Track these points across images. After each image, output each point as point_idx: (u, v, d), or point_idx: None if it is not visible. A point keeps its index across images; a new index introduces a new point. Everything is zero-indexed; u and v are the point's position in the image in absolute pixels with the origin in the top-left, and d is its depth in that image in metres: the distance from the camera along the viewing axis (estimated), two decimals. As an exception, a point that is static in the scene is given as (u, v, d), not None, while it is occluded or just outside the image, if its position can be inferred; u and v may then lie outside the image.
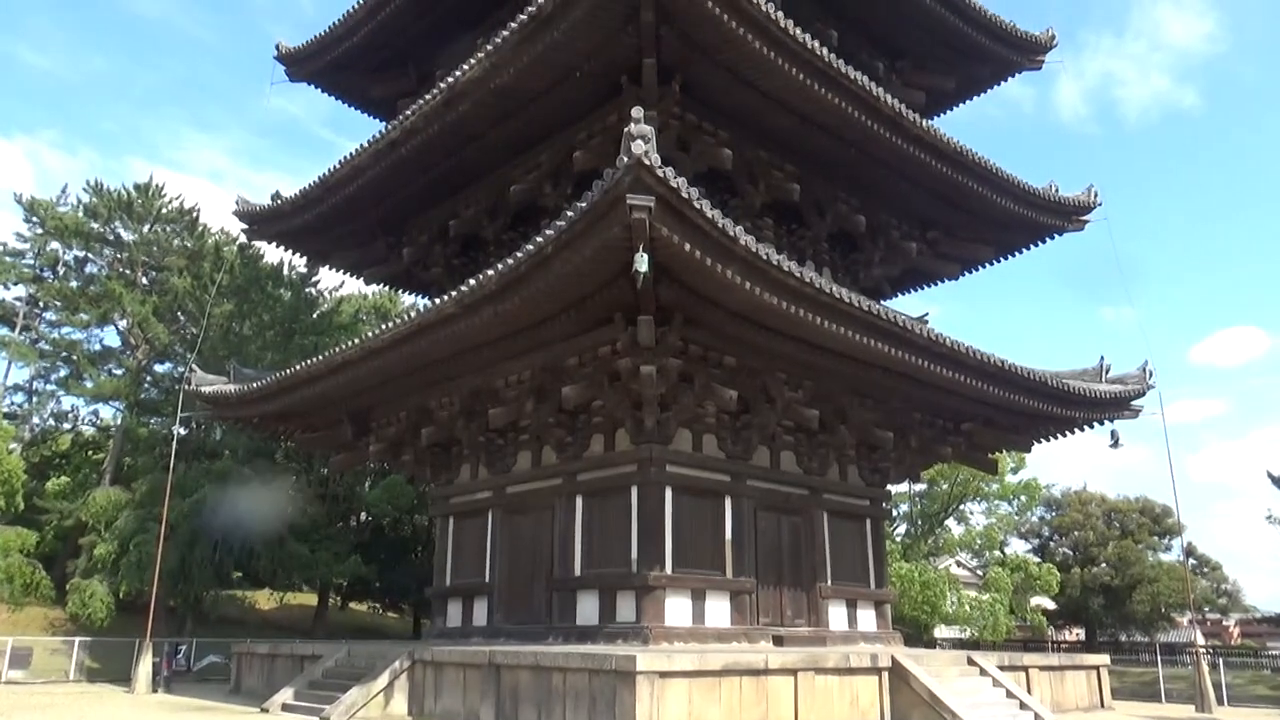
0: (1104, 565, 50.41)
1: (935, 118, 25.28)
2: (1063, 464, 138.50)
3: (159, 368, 37.98)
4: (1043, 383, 19.36)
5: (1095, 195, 22.82)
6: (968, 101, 26.36)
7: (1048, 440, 22.92)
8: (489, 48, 16.85)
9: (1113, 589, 49.23)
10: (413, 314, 17.29)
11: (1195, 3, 76.70)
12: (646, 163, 12.28)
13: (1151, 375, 21.77)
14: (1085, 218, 23.03)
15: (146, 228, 37.84)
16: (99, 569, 29.53)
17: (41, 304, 38.62)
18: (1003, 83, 25.63)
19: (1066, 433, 22.52)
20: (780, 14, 15.92)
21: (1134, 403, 21.81)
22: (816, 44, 16.58)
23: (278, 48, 25.21)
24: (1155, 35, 73.65)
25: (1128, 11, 72.98)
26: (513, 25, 16.30)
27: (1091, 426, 22.51)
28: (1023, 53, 24.51)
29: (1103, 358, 21.62)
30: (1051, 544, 54.07)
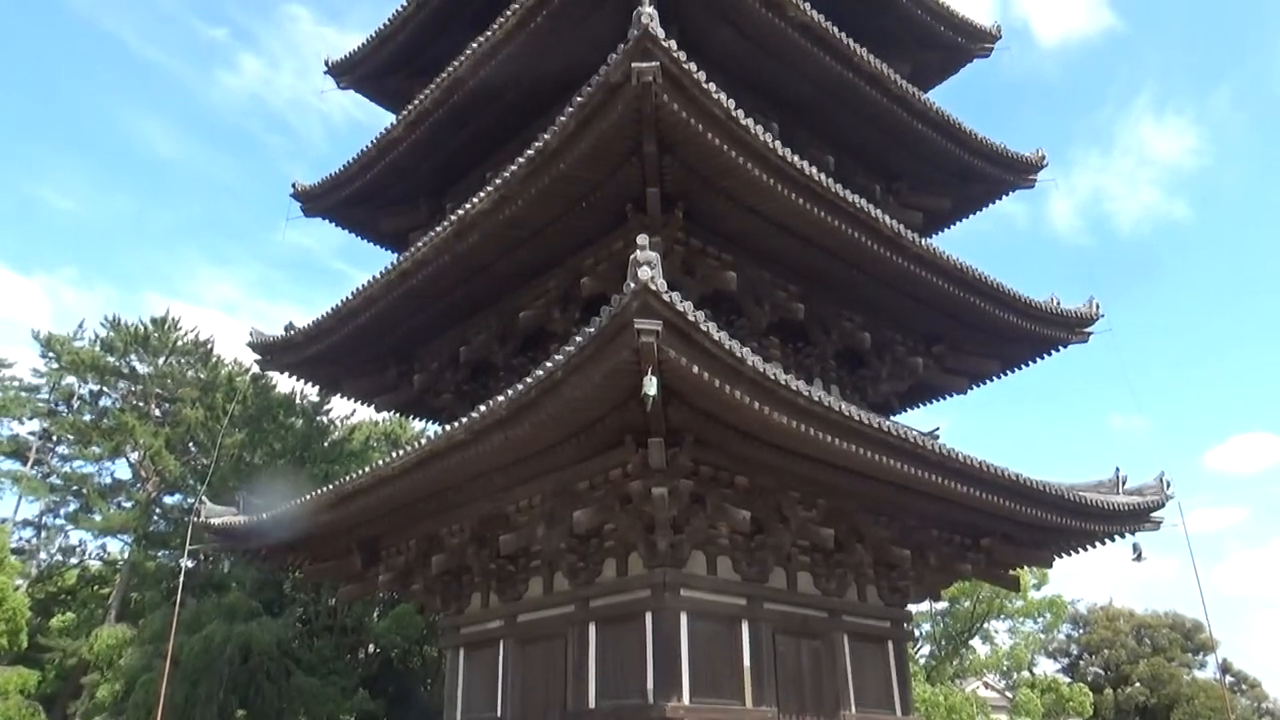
0: (1138, 684, 48.66)
1: (934, 235, 25.83)
2: (1087, 578, 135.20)
3: (168, 499, 37.88)
4: (1059, 496, 19.13)
5: (1097, 307, 23.09)
6: (964, 219, 26.99)
7: (1068, 554, 22.46)
8: (497, 181, 17.46)
9: (1149, 709, 47.41)
10: (423, 441, 17.34)
11: (1176, 120, 79.51)
12: (653, 288, 12.55)
13: (1169, 485, 21.47)
14: (1088, 329, 23.24)
15: (161, 360, 38.44)
16: (102, 709, 28.74)
17: (55, 438, 38.89)
18: (997, 201, 26.30)
19: (1087, 547, 22.10)
20: (778, 143, 16.52)
21: (1154, 514, 21.48)
22: (814, 170, 17.13)
23: (294, 186, 26.12)
24: (1141, 151, 76.24)
25: (1112, 129, 75.70)
26: (520, 160, 16.93)
27: (1112, 539, 22.10)
28: (1015, 172, 25.23)
29: (1118, 469, 21.41)
30: (1081, 663, 52.37)
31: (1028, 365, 24.51)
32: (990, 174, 24.91)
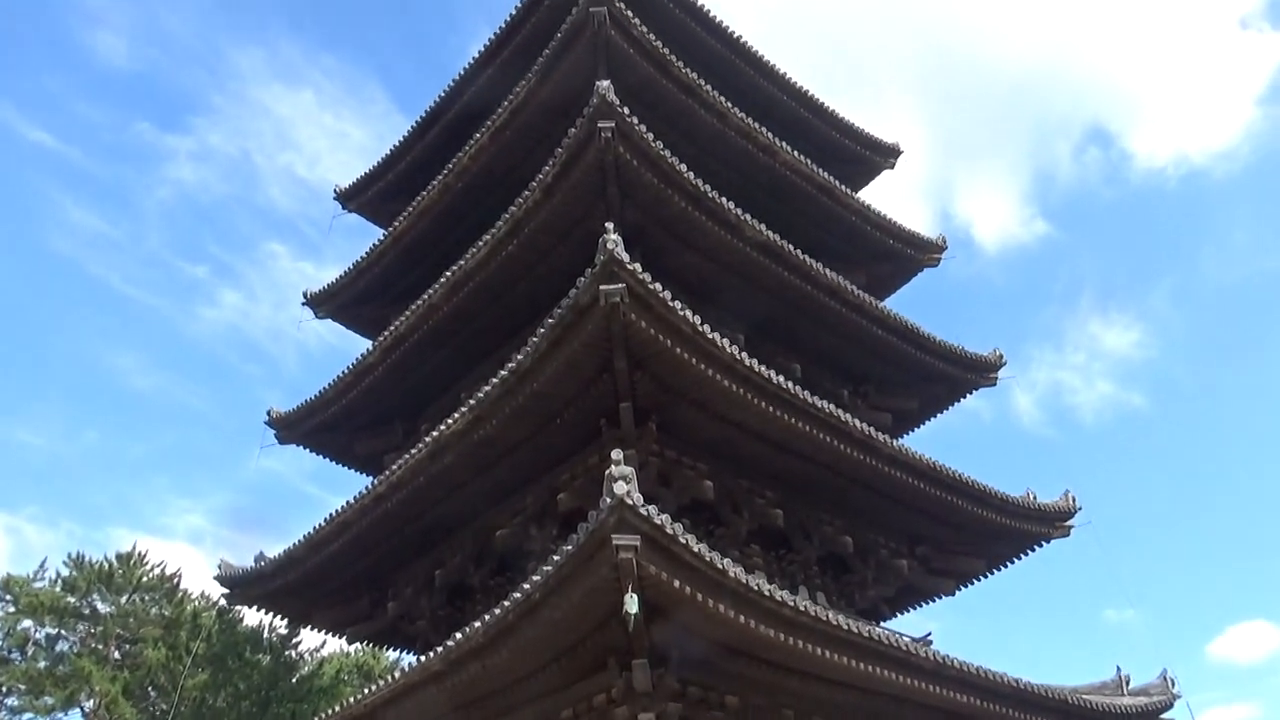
0: None
1: (904, 436, 26.18)
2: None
3: (122, 751, 35.27)
4: (1062, 701, 18.39)
5: (1073, 500, 23.16)
6: (933, 418, 27.46)
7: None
8: (471, 402, 17.71)
9: None
10: (397, 673, 16.56)
11: (1121, 316, 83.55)
12: (629, 502, 12.49)
13: (1175, 684, 20.82)
14: (1069, 523, 23.19)
15: (125, 598, 37.01)
16: None
17: (5, 688, 36.66)
18: (962, 399, 26.88)
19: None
20: (744, 354, 17.03)
21: (1163, 715, 20.63)
22: (781, 378, 17.57)
23: (269, 413, 26.23)
24: (1091, 346, 79.68)
25: (1061, 327, 79.43)
26: (494, 380, 17.26)
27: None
28: (976, 372, 25.98)
29: (1119, 668, 20.78)
30: None
31: (1013, 563, 24.25)
32: (952, 374, 25.62)
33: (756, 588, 13.53)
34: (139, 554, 37.73)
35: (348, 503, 20.51)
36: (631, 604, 12.27)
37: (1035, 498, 22.71)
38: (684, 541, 12.93)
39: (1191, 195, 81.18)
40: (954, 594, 24.72)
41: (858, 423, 18.76)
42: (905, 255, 27.70)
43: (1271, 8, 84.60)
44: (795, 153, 24.27)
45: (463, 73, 27.47)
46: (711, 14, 26.15)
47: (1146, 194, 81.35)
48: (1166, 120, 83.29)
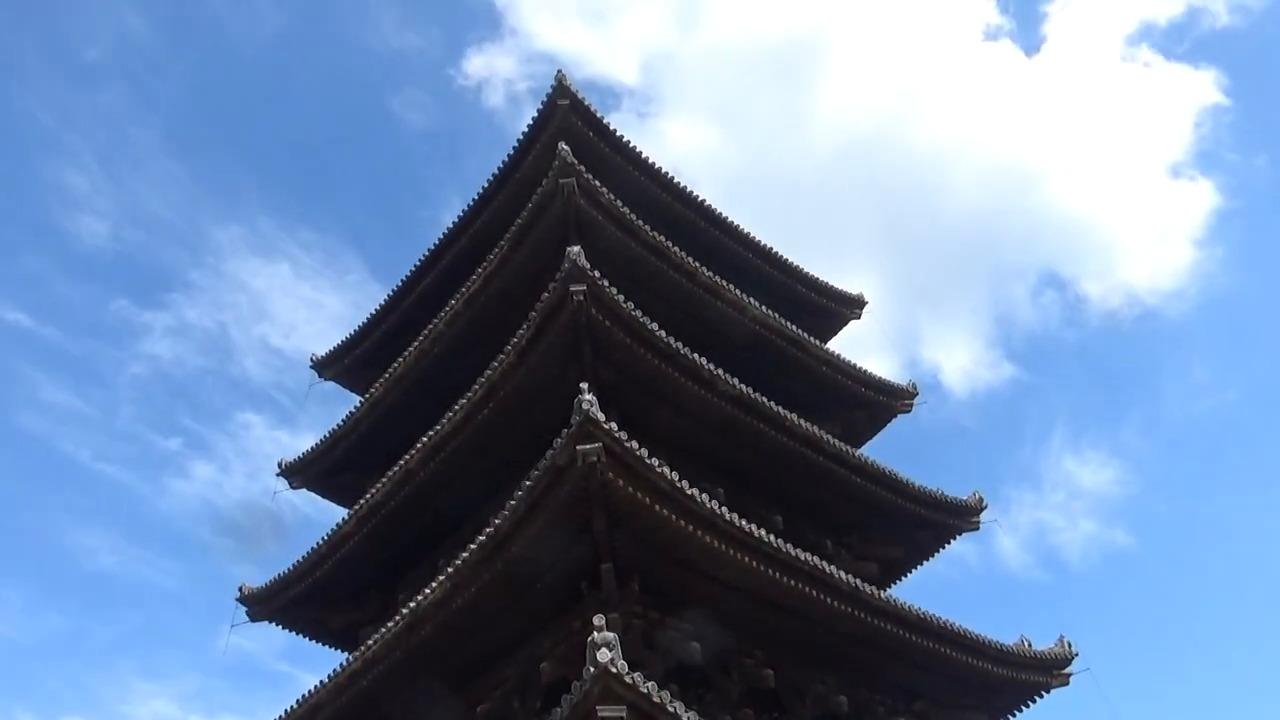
0: None
1: (892, 586, 25.77)
2: None
3: None
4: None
5: (1069, 646, 22.61)
6: (919, 566, 27.07)
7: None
8: (449, 570, 17.34)
9: None
10: None
11: (1094, 454, 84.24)
12: (614, 671, 12.12)
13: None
14: (1067, 670, 22.57)
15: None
16: None
17: None
18: (947, 545, 26.60)
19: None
20: (725, 508, 16.91)
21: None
22: (763, 531, 17.40)
23: (240, 590, 25.45)
24: (1069, 485, 79.88)
25: (1037, 467, 79.90)
26: (472, 546, 16.96)
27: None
28: (958, 516, 25.84)
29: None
30: None
31: (1016, 714, 23.40)
32: (935, 520, 25.47)
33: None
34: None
35: (320, 683, 19.69)
36: (620, 781, 11.70)
37: (1030, 645, 22.17)
38: (672, 710, 12.46)
39: (1148, 334, 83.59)
40: (958, 752, 23.70)
41: (844, 574, 18.47)
42: (878, 402, 28.02)
43: (1201, 156, 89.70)
44: (763, 308, 24.92)
45: (437, 242, 28.33)
46: (676, 180, 27.41)
47: (1105, 334, 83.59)
48: (1112, 265, 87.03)
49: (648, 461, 16.08)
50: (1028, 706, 23.33)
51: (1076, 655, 22.61)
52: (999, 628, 21.60)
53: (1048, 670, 22.45)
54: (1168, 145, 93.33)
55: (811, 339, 26.44)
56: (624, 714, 12.01)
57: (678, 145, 76.03)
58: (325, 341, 31.31)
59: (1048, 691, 22.61)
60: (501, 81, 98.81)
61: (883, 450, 28.13)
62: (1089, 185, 79.42)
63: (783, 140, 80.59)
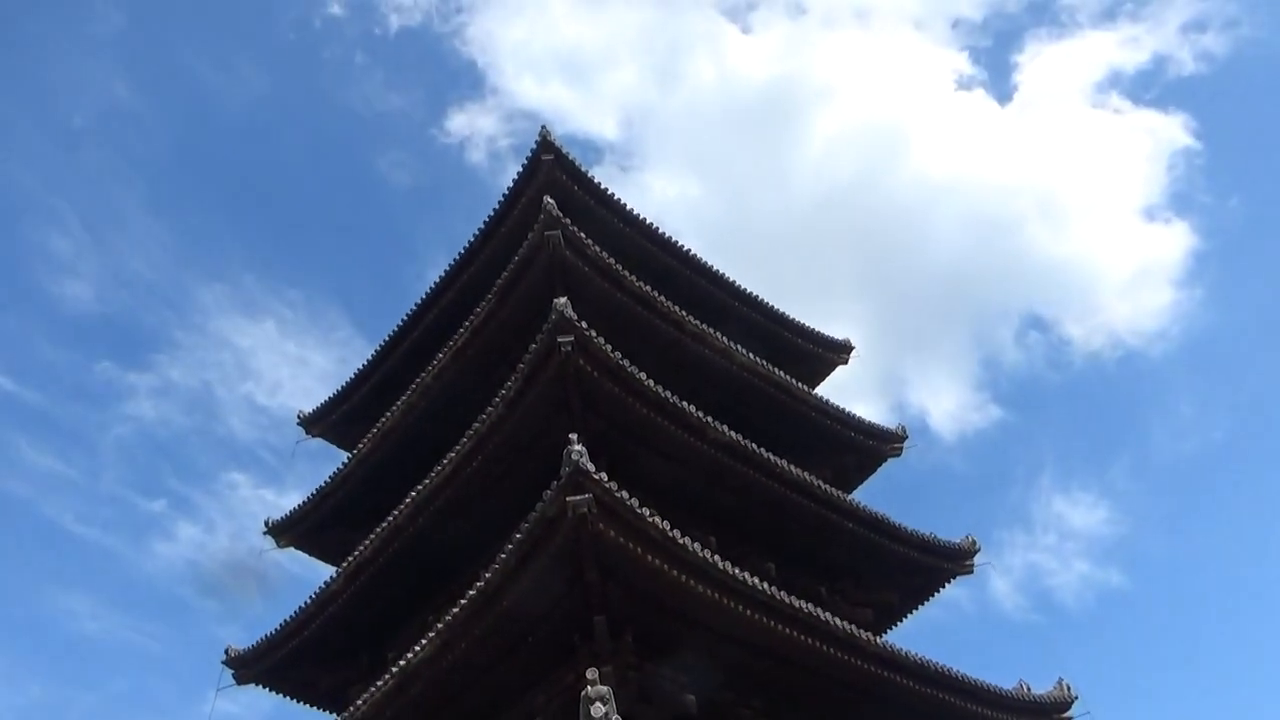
0: None
1: (887, 632, 25.50)
2: None
3: None
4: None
5: (1068, 689, 22.38)
6: (914, 611, 26.85)
7: None
8: (440, 626, 17.09)
9: None
10: None
11: (1085, 495, 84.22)
12: (608, 725, 11.90)
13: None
14: (1068, 714, 22.32)
15: None
16: None
17: None
18: (941, 589, 26.44)
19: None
20: (717, 556, 16.79)
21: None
22: (756, 579, 17.24)
23: (226, 652, 24.98)
24: (1060, 526, 79.64)
25: (1028, 509, 79.71)
26: (462, 601, 16.74)
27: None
28: (951, 560, 25.71)
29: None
30: None
31: (1016, 761, 23.04)
32: (928, 564, 25.32)
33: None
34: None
35: (309, 746, 19.25)
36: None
37: (1029, 689, 21.94)
38: (668, 764, 12.23)
39: (1132, 375, 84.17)
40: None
41: (838, 621, 18.29)
42: (867, 447, 28.01)
43: (1175, 198, 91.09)
44: (750, 355, 25.01)
45: (424, 297, 28.38)
46: (660, 230, 27.64)
47: (1090, 375, 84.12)
48: (1094, 307, 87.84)
49: (638, 511, 15.99)
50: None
51: (1077, 698, 22.39)
52: (996, 672, 21.39)
53: (1048, 714, 22.18)
54: (1142, 188, 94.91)
55: (799, 384, 26.49)
56: (620, 770, 11.79)
57: (659, 197, 76.98)
58: (311, 399, 31.11)
59: (1048, 736, 22.30)
60: (484, 139, 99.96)
61: (873, 495, 28.05)
62: (1067, 229, 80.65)
63: (763, 190, 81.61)
